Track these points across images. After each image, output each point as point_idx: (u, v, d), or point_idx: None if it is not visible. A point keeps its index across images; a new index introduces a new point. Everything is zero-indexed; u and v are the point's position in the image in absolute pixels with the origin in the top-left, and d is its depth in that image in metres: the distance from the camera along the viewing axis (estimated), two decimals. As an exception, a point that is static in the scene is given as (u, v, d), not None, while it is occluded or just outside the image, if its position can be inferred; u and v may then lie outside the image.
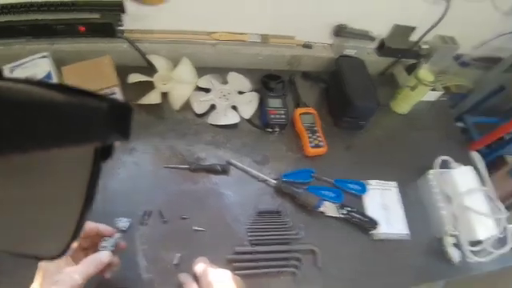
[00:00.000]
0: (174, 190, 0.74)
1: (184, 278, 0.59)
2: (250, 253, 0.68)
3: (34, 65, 0.77)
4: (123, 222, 0.68)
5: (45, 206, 0.24)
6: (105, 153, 0.24)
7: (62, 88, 0.20)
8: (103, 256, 0.52)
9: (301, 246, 0.71)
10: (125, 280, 0.63)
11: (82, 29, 0.84)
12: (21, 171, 0.19)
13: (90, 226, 0.55)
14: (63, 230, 0.25)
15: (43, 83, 0.19)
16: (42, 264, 0.49)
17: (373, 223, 0.75)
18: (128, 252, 0.65)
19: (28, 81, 0.18)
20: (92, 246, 0.56)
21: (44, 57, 0.79)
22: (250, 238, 0.70)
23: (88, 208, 0.24)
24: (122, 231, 0.66)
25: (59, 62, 0.81)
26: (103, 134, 0.23)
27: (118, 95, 0.79)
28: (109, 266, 0.55)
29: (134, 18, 0.87)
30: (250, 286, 0.61)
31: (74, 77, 0.77)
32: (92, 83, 0.76)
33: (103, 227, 0.56)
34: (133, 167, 0.76)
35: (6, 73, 0.75)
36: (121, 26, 0.88)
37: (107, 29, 0.85)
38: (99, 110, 0.22)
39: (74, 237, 0.25)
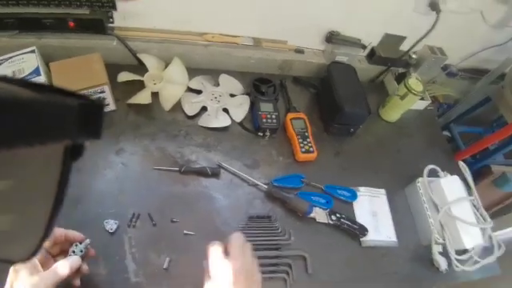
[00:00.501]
0: (163, 193, 0.73)
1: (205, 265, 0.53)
2: None
3: (21, 59, 0.75)
4: (110, 224, 0.67)
5: (12, 207, 0.23)
6: (75, 152, 0.23)
7: (28, 84, 0.19)
8: (73, 261, 0.51)
9: (291, 252, 0.70)
10: (113, 284, 0.62)
11: (72, 24, 0.82)
12: None
13: (58, 231, 0.54)
14: (32, 231, 0.24)
15: (7, 78, 0.18)
16: (12, 269, 0.48)
17: (362, 230, 0.76)
18: (116, 255, 0.64)
19: None
20: (61, 253, 0.55)
21: (32, 52, 0.76)
22: None
23: (58, 208, 0.24)
24: (110, 233, 0.65)
25: (47, 58, 0.78)
26: (73, 133, 0.22)
27: (108, 94, 0.77)
28: (77, 272, 0.54)
29: (125, 15, 0.85)
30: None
31: (62, 73, 0.75)
32: (81, 81, 0.74)
33: (72, 233, 0.55)
34: (121, 168, 0.74)
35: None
36: (111, 22, 0.86)
37: (97, 25, 0.83)
38: (69, 107, 0.21)
39: (44, 238, 0.24)
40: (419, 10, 0.92)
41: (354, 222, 0.76)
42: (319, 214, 0.75)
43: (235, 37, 0.94)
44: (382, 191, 0.85)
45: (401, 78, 1.03)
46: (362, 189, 0.83)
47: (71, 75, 0.75)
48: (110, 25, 0.87)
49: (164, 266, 0.64)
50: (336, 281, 0.71)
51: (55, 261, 0.52)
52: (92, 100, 0.23)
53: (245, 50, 0.95)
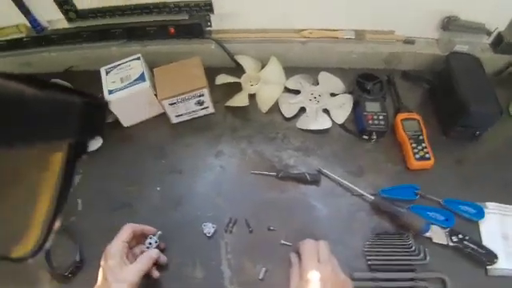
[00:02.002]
0: (260, 198, 0.71)
1: (293, 258, 0.60)
2: (371, 279, 0.61)
3: (128, 66, 0.80)
4: (208, 228, 0.68)
5: (17, 204, 0.23)
6: (78, 149, 0.23)
7: (34, 82, 0.18)
8: (152, 253, 0.60)
9: (428, 274, 0.62)
10: (209, 288, 0.63)
11: (172, 30, 0.86)
12: None
13: (135, 227, 0.61)
14: (36, 227, 0.24)
15: (14, 76, 0.18)
16: (105, 264, 0.55)
17: (491, 256, 0.63)
18: (212, 260, 0.65)
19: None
20: (137, 244, 0.63)
21: (137, 58, 0.81)
22: (370, 263, 0.63)
23: (62, 205, 0.23)
24: (207, 237, 0.67)
25: (151, 63, 0.83)
26: (76, 131, 0.22)
27: (206, 97, 0.78)
28: (155, 264, 0.61)
29: (222, 17, 0.86)
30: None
31: (165, 78, 0.78)
32: (181, 85, 0.76)
33: (147, 228, 0.63)
34: (219, 171, 0.75)
35: (102, 74, 0.79)
36: (209, 26, 0.88)
37: (196, 29, 0.86)
38: (72, 104, 0.21)
39: (48, 234, 0.23)
40: None
41: (480, 245, 0.64)
42: (437, 234, 0.65)
43: (335, 31, 0.87)
44: (517, 209, 0.70)
45: (537, 69, 0.84)
46: (490, 205, 0.69)
47: (173, 79, 0.78)
48: (208, 28, 0.88)
49: (260, 277, 0.63)
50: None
51: (132, 253, 0.60)
52: (95, 98, 0.23)
53: (346, 44, 0.87)
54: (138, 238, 0.63)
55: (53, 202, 0.23)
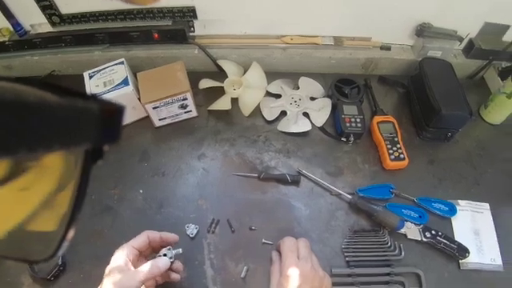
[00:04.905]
0: (242, 199, 0.72)
1: (274, 256, 0.61)
2: (349, 275, 0.63)
3: (112, 70, 0.80)
4: (191, 229, 0.68)
5: (33, 208, 0.23)
6: (95, 155, 0.23)
7: (51, 87, 0.19)
8: (161, 262, 0.52)
9: (404, 269, 0.64)
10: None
11: (156, 36, 0.87)
12: None
13: (152, 235, 0.56)
14: (53, 232, 0.24)
15: (33, 82, 0.18)
16: (108, 268, 0.51)
17: (463, 251, 0.65)
18: (195, 260, 0.66)
19: (18, 79, 0.18)
20: (153, 255, 0.57)
21: (121, 63, 0.82)
22: (348, 259, 0.65)
23: (77, 211, 0.23)
24: (191, 238, 0.67)
25: (134, 68, 0.84)
26: (93, 137, 0.22)
27: (190, 101, 0.79)
28: (166, 275, 0.56)
29: (206, 23, 0.87)
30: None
31: (148, 82, 0.79)
32: (165, 89, 0.77)
33: (166, 235, 0.58)
34: (202, 173, 0.76)
35: (86, 78, 0.79)
36: (192, 31, 0.89)
37: (179, 35, 0.87)
38: (90, 111, 0.21)
39: (63, 239, 0.23)
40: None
41: (453, 240, 0.66)
42: (411, 230, 0.67)
43: (314, 37, 0.90)
44: (486, 206, 0.73)
45: (505, 74, 0.88)
46: (462, 202, 0.73)
47: (156, 84, 0.78)
48: (192, 34, 0.89)
49: (241, 275, 0.63)
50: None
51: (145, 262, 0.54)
52: (112, 103, 0.23)
53: (325, 50, 0.90)
54: (157, 248, 0.57)
55: (71, 206, 0.23)
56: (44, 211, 0.24)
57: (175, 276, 0.57)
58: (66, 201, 0.23)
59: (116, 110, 0.24)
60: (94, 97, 0.22)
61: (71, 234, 0.24)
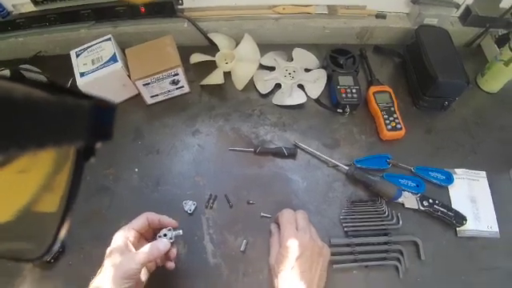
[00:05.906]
0: (239, 174, 0.72)
1: (273, 228, 0.62)
2: (348, 245, 0.64)
3: (99, 48, 0.78)
4: (189, 205, 0.68)
5: (26, 206, 0.23)
6: (87, 152, 0.23)
7: (40, 84, 0.18)
8: (161, 244, 0.52)
9: (402, 237, 0.65)
10: (192, 263, 0.63)
11: (143, 10, 0.83)
12: None
13: (151, 217, 0.56)
14: (45, 230, 0.24)
15: (19, 78, 0.17)
16: (108, 250, 0.51)
17: (460, 218, 0.66)
18: (195, 235, 0.66)
19: (8, 77, 0.17)
20: (154, 236, 0.57)
21: (108, 39, 0.79)
22: (346, 229, 0.65)
23: (70, 208, 0.23)
24: (189, 214, 0.67)
25: (123, 44, 0.81)
26: (85, 135, 0.22)
27: (181, 76, 0.77)
28: (167, 256, 0.56)
29: (194, -5, 0.83)
30: (349, 280, 0.62)
31: (137, 58, 0.76)
32: (155, 64, 0.74)
33: (165, 219, 0.57)
34: (197, 149, 0.75)
35: (73, 57, 0.77)
36: (181, 4, 0.86)
37: (167, 8, 0.84)
38: (81, 108, 0.21)
39: (56, 236, 0.23)
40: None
41: (450, 208, 0.67)
42: (409, 199, 0.67)
43: (308, 6, 0.87)
44: (483, 174, 0.73)
45: (502, 41, 0.86)
46: (458, 171, 0.73)
47: (146, 59, 0.76)
48: (180, 6, 0.86)
49: (241, 249, 0.64)
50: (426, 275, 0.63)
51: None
52: (104, 100, 0.23)
53: (319, 19, 0.88)
54: (157, 230, 0.57)
55: (63, 204, 0.23)
56: (45, 193, 0.23)
57: (170, 264, 0.56)
58: (63, 183, 0.23)
59: (107, 107, 0.23)
60: (85, 94, 0.21)
61: (63, 233, 0.24)
